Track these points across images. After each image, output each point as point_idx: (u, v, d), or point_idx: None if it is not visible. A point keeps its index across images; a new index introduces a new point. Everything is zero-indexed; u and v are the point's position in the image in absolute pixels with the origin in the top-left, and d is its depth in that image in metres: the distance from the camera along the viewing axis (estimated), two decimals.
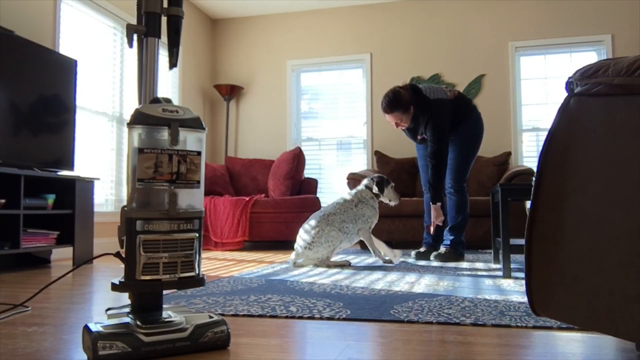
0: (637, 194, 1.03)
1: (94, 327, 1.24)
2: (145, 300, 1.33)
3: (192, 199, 1.32)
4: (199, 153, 1.33)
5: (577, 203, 1.14)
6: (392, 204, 3.58)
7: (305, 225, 3.36)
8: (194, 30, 6.20)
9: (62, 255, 4.02)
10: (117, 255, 1.33)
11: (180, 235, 1.29)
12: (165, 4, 1.48)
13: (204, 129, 1.34)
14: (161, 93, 5.60)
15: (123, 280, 1.28)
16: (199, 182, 1.33)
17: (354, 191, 3.51)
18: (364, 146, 6.12)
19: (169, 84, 5.76)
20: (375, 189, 3.47)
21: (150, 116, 1.28)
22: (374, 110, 6.07)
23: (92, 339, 1.19)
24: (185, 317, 1.35)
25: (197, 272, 1.33)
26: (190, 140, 1.31)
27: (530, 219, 1.23)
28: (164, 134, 1.28)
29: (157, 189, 1.27)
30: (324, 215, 3.34)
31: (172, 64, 1.54)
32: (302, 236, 3.33)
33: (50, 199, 3.53)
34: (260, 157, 6.24)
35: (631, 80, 1.07)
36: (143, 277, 1.25)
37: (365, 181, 3.55)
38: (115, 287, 1.27)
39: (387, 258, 3.45)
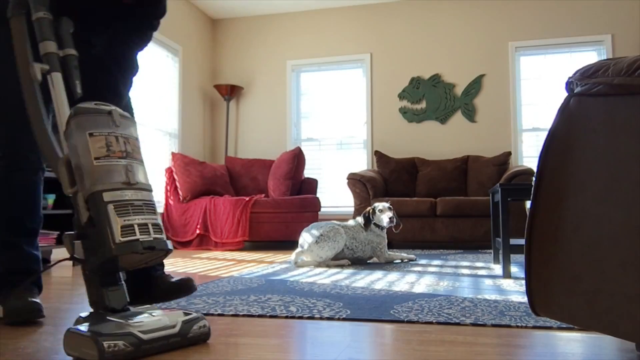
0: (637, 194, 1.03)
1: (85, 328, 1.24)
2: (109, 275, 1.37)
3: (142, 175, 1.42)
4: (137, 139, 1.47)
5: (577, 203, 1.14)
6: (384, 225, 3.48)
7: (313, 231, 3.38)
8: (194, 30, 6.20)
9: (62, 255, 4.02)
10: (72, 258, 1.35)
11: (144, 201, 1.38)
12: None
13: (134, 119, 1.53)
14: (162, 93, 5.61)
15: (95, 259, 1.31)
16: (142, 161, 1.46)
17: (359, 219, 3.57)
18: (364, 146, 6.12)
19: (169, 84, 5.76)
20: (362, 221, 3.52)
21: (91, 108, 1.41)
22: (374, 110, 6.07)
23: (94, 340, 1.19)
24: (166, 315, 1.37)
25: (165, 236, 1.40)
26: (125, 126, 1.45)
27: (530, 219, 1.23)
28: (108, 120, 1.40)
29: (113, 165, 1.36)
30: (339, 224, 3.44)
31: (78, 94, 1.55)
32: (311, 232, 3.36)
33: (50, 199, 3.53)
34: (260, 157, 6.24)
35: (631, 80, 1.07)
36: (123, 239, 1.29)
37: (359, 217, 3.60)
38: (98, 261, 1.31)
39: (408, 257, 3.64)
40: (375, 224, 3.50)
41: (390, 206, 3.56)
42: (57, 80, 1.51)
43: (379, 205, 3.54)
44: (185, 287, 1.89)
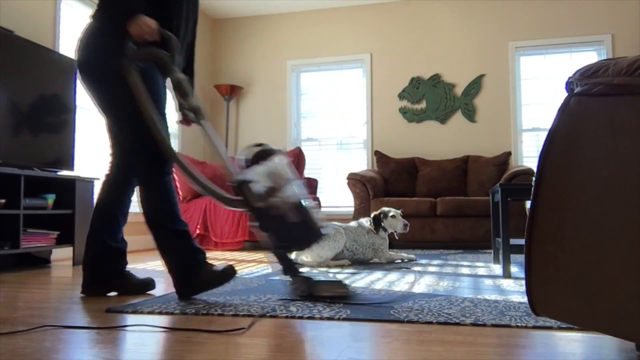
0: (637, 194, 1.03)
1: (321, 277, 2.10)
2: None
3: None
4: None
5: (577, 203, 1.14)
6: (399, 231, 3.56)
7: None
8: None
9: (62, 255, 4.02)
10: None
11: None
12: None
13: None
14: None
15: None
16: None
17: (362, 221, 3.59)
18: (364, 146, 6.12)
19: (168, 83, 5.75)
20: (369, 225, 3.52)
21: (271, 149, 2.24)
22: (374, 110, 6.07)
23: (342, 282, 2.08)
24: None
25: None
26: None
27: (530, 219, 1.23)
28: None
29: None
30: (341, 226, 3.44)
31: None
32: None
33: (50, 199, 3.53)
34: None
35: (631, 80, 1.07)
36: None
37: (364, 219, 3.62)
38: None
39: (408, 257, 3.65)
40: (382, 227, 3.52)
41: (401, 212, 3.59)
42: (208, 126, 2.20)
43: (392, 211, 3.55)
44: (149, 286, 2.29)
